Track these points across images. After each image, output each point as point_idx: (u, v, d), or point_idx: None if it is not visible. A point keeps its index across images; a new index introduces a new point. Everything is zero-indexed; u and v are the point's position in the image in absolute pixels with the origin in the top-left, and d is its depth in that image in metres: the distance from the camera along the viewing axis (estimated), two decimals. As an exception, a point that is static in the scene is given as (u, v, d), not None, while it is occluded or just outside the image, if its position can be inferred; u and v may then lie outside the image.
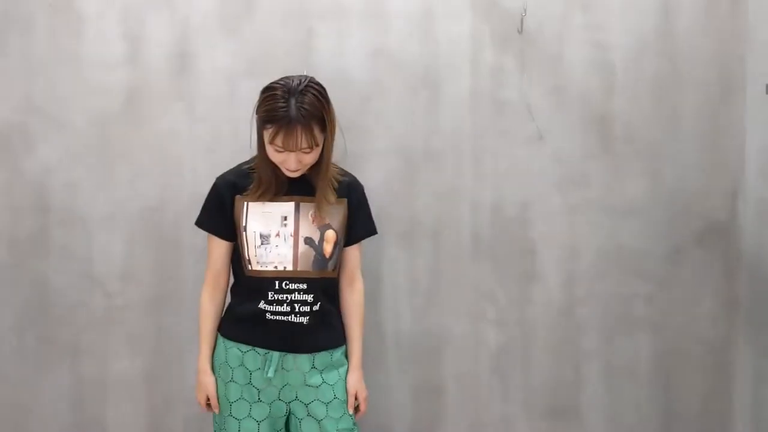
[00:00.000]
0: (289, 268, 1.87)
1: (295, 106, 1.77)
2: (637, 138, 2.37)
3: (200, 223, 1.98)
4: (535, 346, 2.38)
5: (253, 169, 1.92)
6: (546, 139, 2.34)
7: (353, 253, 2.00)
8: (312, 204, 1.89)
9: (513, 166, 2.34)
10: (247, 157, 2.26)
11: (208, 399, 1.96)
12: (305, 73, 2.21)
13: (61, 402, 2.27)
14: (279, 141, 1.79)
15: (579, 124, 2.35)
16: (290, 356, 1.90)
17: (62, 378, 2.27)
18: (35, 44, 2.22)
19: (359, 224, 1.97)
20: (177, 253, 2.27)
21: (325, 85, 1.91)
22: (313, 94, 1.81)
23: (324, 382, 1.92)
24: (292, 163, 1.82)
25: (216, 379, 1.95)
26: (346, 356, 2.00)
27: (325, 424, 1.91)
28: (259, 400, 1.91)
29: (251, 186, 1.90)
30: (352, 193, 1.95)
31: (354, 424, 1.96)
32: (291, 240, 1.87)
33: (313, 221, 1.89)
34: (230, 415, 1.91)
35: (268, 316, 1.89)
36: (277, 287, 1.87)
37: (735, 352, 2.43)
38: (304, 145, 1.79)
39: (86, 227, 2.25)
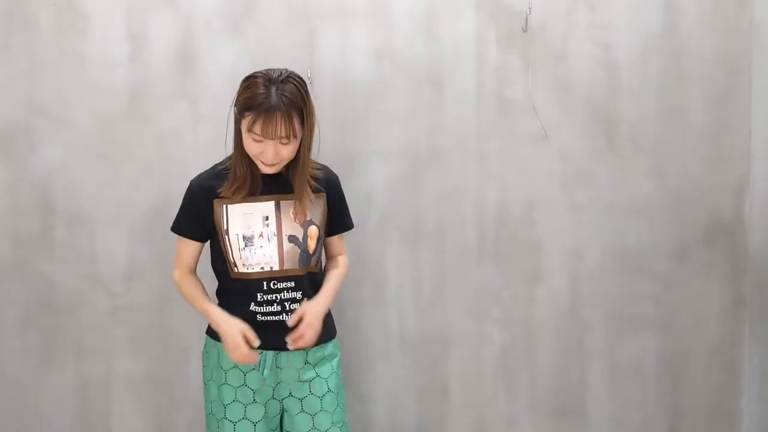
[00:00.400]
0: (276, 267, 1.85)
1: (276, 94, 1.74)
2: (642, 136, 2.36)
3: (178, 229, 1.94)
4: (541, 346, 2.37)
5: (227, 169, 1.87)
6: (551, 137, 2.33)
7: (335, 242, 1.99)
8: (292, 201, 1.86)
9: (518, 165, 2.33)
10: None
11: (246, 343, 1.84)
12: (308, 74, 2.22)
13: (66, 402, 2.27)
14: (258, 128, 1.74)
15: (584, 122, 2.34)
16: (283, 354, 1.88)
17: (66, 378, 2.27)
18: (39, 44, 2.22)
19: (338, 218, 1.97)
20: (181, 253, 2.26)
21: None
22: (294, 85, 1.77)
23: (317, 375, 1.90)
24: (269, 154, 1.77)
25: (208, 383, 1.94)
26: (337, 348, 1.98)
27: (320, 418, 1.89)
28: (255, 401, 1.89)
29: (225, 183, 1.85)
30: (330, 188, 1.93)
31: (345, 414, 1.95)
32: (275, 239, 1.85)
33: (295, 219, 1.87)
34: (225, 418, 1.89)
35: (259, 317, 1.87)
36: (265, 288, 1.86)
37: (742, 351, 2.42)
38: (282, 133, 1.74)
39: (90, 227, 2.25)
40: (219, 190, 1.86)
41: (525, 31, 2.31)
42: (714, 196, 2.39)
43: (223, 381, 1.90)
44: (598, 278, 2.37)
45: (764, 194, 2.37)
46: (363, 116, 2.27)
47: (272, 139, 1.76)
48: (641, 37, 2.34)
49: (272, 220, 1.86)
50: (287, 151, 1.80)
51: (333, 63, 2.24)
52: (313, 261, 1.90)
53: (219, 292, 1.97)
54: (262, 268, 1.85)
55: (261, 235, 1.85)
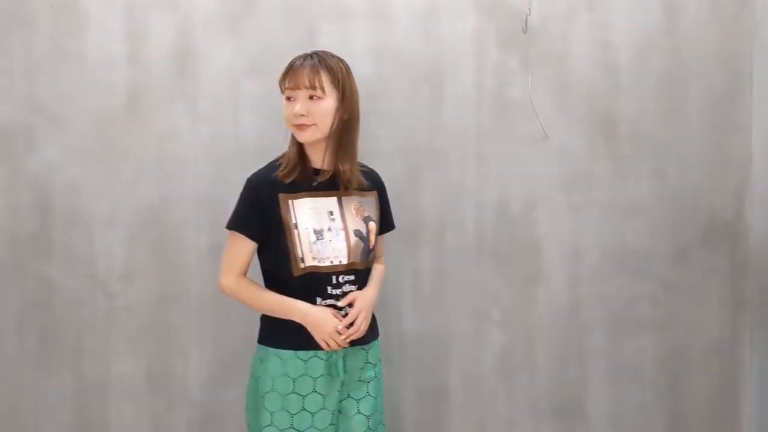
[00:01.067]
0: (344, 261, 1.85)
1: (310, 55, 1.86)
2: (642, 137, 2.36)
3: (239, 226, 1.86)
4: (540, 347, 2.36)
5: (286, 160, 1.90)
6: (551, 137, 2.32)
7: (379, 242, 2.02)
8: (352, 198, 1.89)
9: (517, 165, 2.32)
10: (251, 156, 2.25)
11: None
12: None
13: (64, 403, 2.26)
14: (287, 81, 1.83)
15: (584, 122, 2.34)
16: (349, 354, 1.87)
17: (64, 379, 2.26)
18: (38, 43, 2.21)
19: (385, 218, 2.02)
20: (179, 253, 2.26)
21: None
22: (334, 57, 1.88)
23: (375, 376, 1.91)
24: (298, 105, 1.81)
25: (269, 394, 1.84)
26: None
27: (374, 419, 1.89)
28: (323, 407, 1.84)
29: (281, 176, 1.86)
30: (380, 187, 2.00)
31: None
32: (342, 234, 1.86)
33: (357, 214, 1.90)
34: (291, 427, 1.81)
35: None
36: (334, 282, 1.85)
37: (742, 353, 2.42)
38: (307, 82, 1.80)
39: (88, 227, 2.24)
40: (279, 179, 1.86)
41: (525, 31, 2.30)
42: (714, 197, 2.39)
43: (291, 390, 1.82)
44: (597, 279, 2.36)
45: (765, 194, 2.36)
46: (362, 116, 2.26)
47: (299, 88, 1.81)
48: (641, 36, 2.34)
49: (337, 215, 1.87)
50: (318, 108, 1.82)
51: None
52: (371, 256, 1.93)
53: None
54: (332, 262, 1.84)
55: (329, 230, 1.85)
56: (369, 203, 1.93)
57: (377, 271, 1.99)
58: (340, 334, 1.80)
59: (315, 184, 1.87)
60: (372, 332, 1.92)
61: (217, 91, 2.25)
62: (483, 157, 2.32)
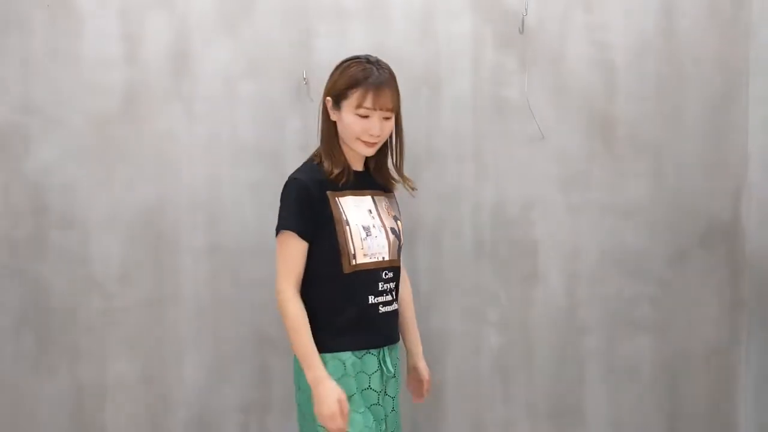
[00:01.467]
0: (387, 258, 1.86)
1: (379, 71, 1.83)
2: (639, 138, 2.36)
3: (292, 225, 1.80)
4: (537, 348, 2.36)
5: (321, 163, 1.87)
6: (548, 139, 2.32)
7: None
8: (382, 198, 1.92)
9: (514, 166, 2.32)
10: (248, 157, 2.25)
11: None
12: (304, 74, 2.21)
13: (60, 405, 2.26)
14: (369, 101, 1.79)
15: (581, 124, 2.34)
16: (389, 349, 1.88)
17: (61, 380, 2.25)
18: (33, 44, 2.20)
19: None
20: (175, 255, 2.26)
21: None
22: (389, 70, 1.87)
23: (395, 375, 1.91)
24: (375, 127, 1.80)
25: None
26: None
27: (395, 417, 1.90)
28: (377, 403, 1.83)
29: (331, 176, 1.83)
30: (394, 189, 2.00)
31: None
32: (383, 230, 1.87)
33: (388, 212, 1.92)
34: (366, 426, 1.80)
35: (380, 309, 1.84)
36: (383, 277, 1.85)
37: (739, 354, 2.42)
38: (390, 104, 1.82)
39: (84, 228, 2.23)
40: (330, 179, 1.84)
41: (521, 32, 2.30)
42: (711, 198, 2.39)
43: (354, 391, 1.79)
44: (595, 280, 2.36)
45: (762, 196, 2.36)
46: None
47: (381, 110, 1.81)
48: (638, 38, 2.34)
49: (375, 213, 1.88)
50: (388, 127, 1.85)
51: (329, 63, 2.22)
52: (401, 255, 1.94)
53: (322, 295, 1.83)
54: (379, 258, 1.84)
55: (374, 226, 1.86)
56: (393, 203, 1.97)
57: (413, 314, 2.05)
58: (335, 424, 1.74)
59: (350, 183, 1.87)
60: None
61: (213, 92, 2.24)
62: (480, 158, 2.32)
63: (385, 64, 1.87)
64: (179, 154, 2.25)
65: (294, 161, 2.25)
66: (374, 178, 1.94)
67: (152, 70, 2.23)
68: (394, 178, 1.96)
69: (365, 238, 1.82)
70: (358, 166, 1.91)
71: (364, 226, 1.83)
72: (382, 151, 1.92)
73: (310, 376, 1.75)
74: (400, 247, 1.92)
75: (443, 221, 2.32)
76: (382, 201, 1.92)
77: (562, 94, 2.33)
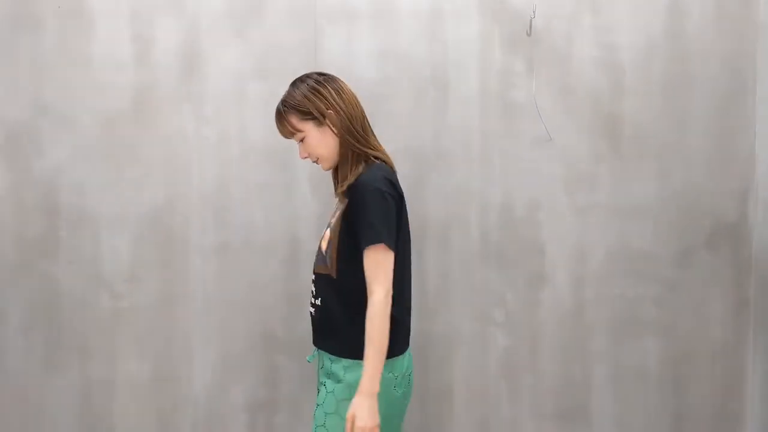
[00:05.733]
0: (316, 262, 1.87)
1: (279, 103, 1.87)
2: (646, 139, 2.36)
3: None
4: (544, 349, 2.37)
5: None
6: (555, 140, 2.33)
7: (364, 262, 1.75)
8: (338, 202, 1.89)
9: (522, 167, 2.33)
10: (257, 158, 2.26)
11: None
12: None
13: (69, 403, 2.27)
14: None
15: (588, 125, 2.34)
16: (318, 352, 1.90)
17: (70, 379, 2.27)
18: (44, 45, 2.22)
19: (358, 230, 1.75)
20: (185, 254, 2.27)
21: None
22: (298, 85, 1.85)
23: (324, 385, 1.82)
24: (300, 152, 1.88)
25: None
26: (344, 372, 1.79)
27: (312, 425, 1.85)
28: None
29: None
30: (354, 194, 1.77)
31: None
32: (323, 235, 1.89)
33: (331, 219, 1.89)
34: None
35: (310, 308, 1.91)
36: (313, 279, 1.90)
37: (745, 355, 2.42)
38: (283, 134, 1.87)
39: (94, 228, 2.25)
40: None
41: (529, 33, 2.31)
42: (718, 199, 2.39)
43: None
44: (601, 281, 2.37)
45: (768, 197, 2.36)
46: (367, 117, 2.27)
47: (287, 138, 1.88)
48: (645, 39, 2.34)
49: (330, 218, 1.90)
50: (308, 147, 1.85)
51: (337, 64, 2.24)
52: (327, 263, 1.82)
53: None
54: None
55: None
56: (337, 211, 1.85)
57: (366, 340, 1.71)
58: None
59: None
60: (321, 342, 1.85)
61: (223, 93, 2.26)
62: (487, 159, 2.32)
63: (292, 89, 1.84)
64: (189, 154, 2.26)
65: (302, 162, 2.27)
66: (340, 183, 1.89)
67: (162, 71, 2.24)
68: (345, 182, 1.83)
69: None
70: None
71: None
72: (340, 159, 1.84)
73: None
74: (322, 256, 1.83)
75: (450, 222, 2.32)
76: (336, 207, 1.89)
77: (569, 96, 2.33)
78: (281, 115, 1.86)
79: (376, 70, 2.27)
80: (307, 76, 1.86)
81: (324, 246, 1.84)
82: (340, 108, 1.82)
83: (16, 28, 2.22)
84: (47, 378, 2.27)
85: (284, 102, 1.85)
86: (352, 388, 1.73)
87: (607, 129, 2.35)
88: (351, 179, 1.79)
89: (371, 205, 1.74)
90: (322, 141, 1.84)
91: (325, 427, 1.76)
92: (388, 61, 2.29)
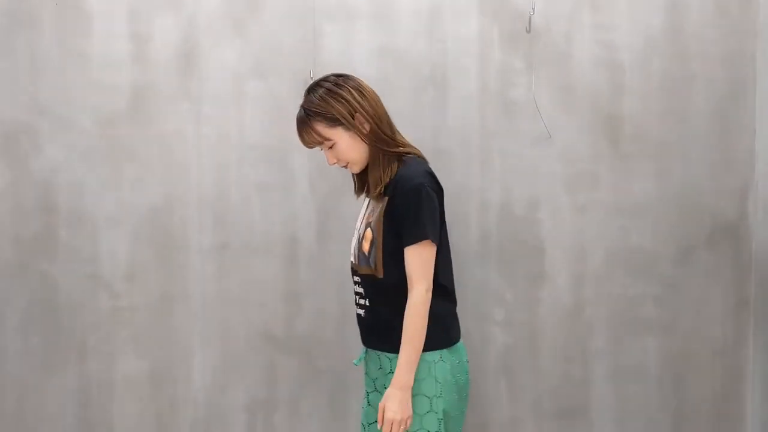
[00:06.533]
0: (354, 261, 1.88)
1: (300, 108, 1.82)
2: (646, 137, 2.36)
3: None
4: (543, 347, 2.36)
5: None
6: (554, 138, 2.32)
7: (406, 258, 1.76)
8: (373, 202, 1.85)
9: (521, 165, 2.32)
10: (255, 157, 2.25)
11: None
12: (311, 73, 2.21)
13: (67, 402, 2.27)
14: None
15: (588, 123, 2.34)
16: (367, 351, 1.90)
17: (68, 378, 2.26)
18: (42, 44, 2.21)
19: (402, 227, 1.76)
20: (183, 254, 2.26)
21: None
22: (318, 90, 1.80)
23: (384, 386, 1.80)
24: (329, 159, 1.85)
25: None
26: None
27: (374, 429, 1.84)
28: (365, 397, 1.91)
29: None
30: (395, 192, 1.77)
31: None
32: (355, 234, 1.89)
33: (364, 218, 1.88)
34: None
35: (356, 308, 1.90)
36: (353, 279, 1.89)
37: (745, 354, 2.42)
38: (311, 144, 1.83)
39: (92, 227, 2.24)
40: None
41: (528, 31, 2.30)
42: (718, 198, 2.39)
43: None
44: (601, 279, 2.36)
45: (768, 195, 2.36)
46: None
47: (313, 146, 1.85)
48: (645, 37, 2.34)
49: (361, 217, 1.89)
50: (335, 153, 1.82)
51: (336, 63, 2.23)
52: (371, 263, 1.80)
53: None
54: (352, 260, 1.89)
55: (356, 229, 1.89)
56: (376, 210, 1.83)
57: (404, 324, 1.74)
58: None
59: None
60: (378, 343, 1.83)
61: (221, 92, 2.25)
62: (487, 158, 2.32)
63: (318, 88, 1.79)
64: (187, 153, 2.25)
65: (301, 161, 2.26)
66: (371, 182, 1.87)
67: (160, 69, 2.24)
68: (380, 184, 1.82)
69: (352, 239, 1.89)
70: None
71: (355, 227, 1.90)
72: (370, 159, 1.83)
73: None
74: (364, 256, 1.81)
75: (450, 221, 2.30)
76: (371, 206, 1.87)
77: (568, 94, 2.33)
78: (306, 125, 1.79)
79: (376, 69, 2.27)
80: (324, 79, 1.82)
81: (366, 246, 1.81)
82: (365, 110, 1.80)
83: (13, 26, 2.21)
84: (45, 378, 2.26)
85: (307, 111, 1.79)
86: (417, 381, 1.75)
87: (606, 127, 2.34)
88: (386, 179, 1.79)
89: (415, 201, 1.75)
90: (353, 146, 1.81)
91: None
92: (387, 60, 2.28)
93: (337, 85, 1.80)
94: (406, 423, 1.72)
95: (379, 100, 1.83)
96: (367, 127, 1.79)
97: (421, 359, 1.76)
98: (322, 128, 1.79)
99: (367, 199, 1.89)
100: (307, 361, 2.30)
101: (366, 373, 1.90)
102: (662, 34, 2.34)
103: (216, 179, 2.26)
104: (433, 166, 2.29)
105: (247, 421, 2.30)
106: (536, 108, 2.31)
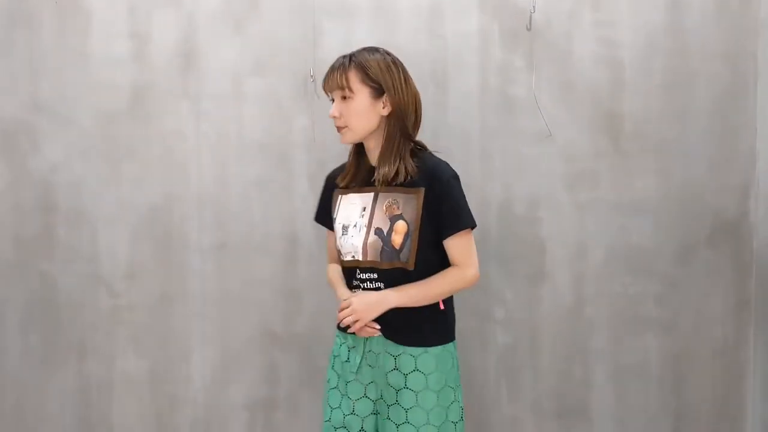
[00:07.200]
0: (360, 258, 1.84)
1: (348, 55, 1.84)
2: (646, 135, 2.35)
3: (316, 217, 2.02)
4: (544, 346, 2.36)
5: None
6: (555, 136, 2.32)
7: (451, 246, 1.82)
8: (388, 195, 1.82)
9: (522, 163, 2.32)
10: (255, 154, 2.25)
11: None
12: (311, 71, 2.21)
13: (67, 401, 2.27)
14: (324, 83, 1.85)
15: (588, 121, 2.33)
16: (372, 354, 1.83)
17: (68, 377, 2.26)
18: (41, 42, 2.21)
19: (445, 217, 1.80)
20: (182, 252, 2.26)
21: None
22: (375, 52, 1.84)
23: (406, 386, 1.79)
24: (333, 107, 1.83)
25: (329, 367, 1.93)
26: (436, 361, 1.83)
27: (404, 430, 1.77)
28: (347, 394, 1.86)
29: (343, 174, 1.92)
30: (434, 181, 1.80)
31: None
32: (364, 231, 1.83)
33: (386, 212, 1.84)
34: (327, 402, 1.90)
35: None
36: (357, 276, 1.85)
37: (746, 353, 2.41)
38: (334, 84, 1.81)
39: (92, 226, 2.24)
40: (337, 180, 1.93)
41: (529, 29, 2.30)
42: (719, 196, 2.38)
43: (332, 366, 1.91)
44: (601, 278, 2.36)
45: (770, 194, 2.35)
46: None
47: (332, 90, 1.83)
48: (646, 35, 2.33)
49: (367, 212, 1.85)
50: (350, 108, 1.81)
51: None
52: (402, 257, 1.79)
53: None
54: (353, 257, 1.85)
55: (355, 225, 1.85)
56: (408, 202, 1.81)
57: (437, 277, 1.81)
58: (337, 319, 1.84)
59: (364, 179, 1.88)
60: (401, 337, 1.81)
61: (220, 90, 2.25)
62: (487, 156, 2.31)
63: (368, 52, 1.84)
64: (186, 151, 2.25)
65: (301, 158, 2.26)
66: (381, 174, 1.84)
67: (160, 68, 2.23)
68: (406, 173, 1.82)
69: (341, 237, 1.87)
70: (375, 161, 1.88)
71: (344, 225, 1.87)
72: (383, 144, 1.84)
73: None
74: (393, 250, 1.80)
75: (450, 219, 2.31)
76: (386, 199, 1.83)
77: (569, 92, 2.32)
78: (344, 69, 1.81)
79: (375, 67, 2.26)
80: (383, 50, 1.86)
81: (399, 240, 1.80)
82: (402, 95, 1.84)
83: (13, 25, 2.21)
84: (45, 377, 2.26)
85: (353, 58, 1.82)
86: (443, 373, 1.81)
87: (607, 125, 2.34)
88: (403, 168, 1.81)
89: (458, 190, 1.83)
90: (364, 113, 1.82)
91: (434, 425, 1.78)
92: (386, 58, 2.27)
93: (394, 62, 1.85)
94: (356, 325, 1.80)
95: (419, 101, 1.89)
96: (387, 110, 1.83)
97: (445, 350, 1.83)
98: (354, 78, 1.81)
99: (356, 194, 1.87)
100: (307, 360, 2.30)
101: (356, 379, 1.84)
102: (663, 31, 2.34)
103: (215, 178, 2.26)
104: (433, 165, 2.31)
105: (247, 419, 2.30)
106: (537, 106, 2.30)
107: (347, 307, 1.81)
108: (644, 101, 2.34)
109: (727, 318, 2.40)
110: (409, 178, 1.81)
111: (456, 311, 2.31)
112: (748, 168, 2.39)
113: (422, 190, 1.80)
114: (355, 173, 1.90)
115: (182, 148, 2.25)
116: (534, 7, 2.28)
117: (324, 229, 2.04)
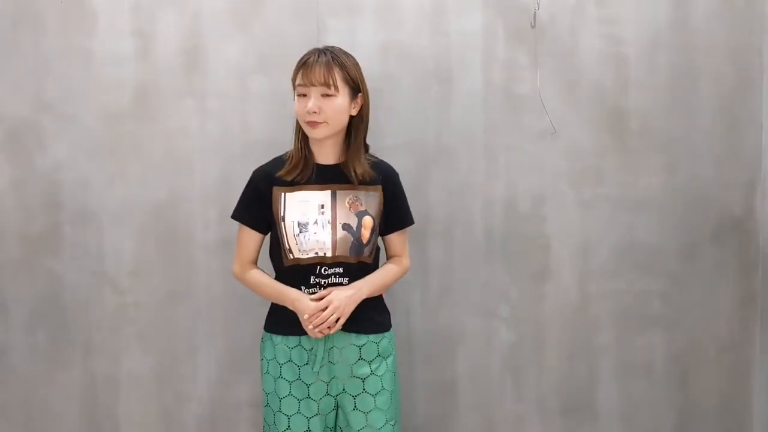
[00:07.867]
0: (329, 254, 1.88)
1: (320, 53, 1.87)
2: (651, 132, 2.34)
3: (237, 216, 1.96)
4: (549, 344, 2.36)
5: (288, 157, 1.96)
6: (559, 133, 2.31)
7: (393, 241, 2.02)
8: (348, 192, 1.91)
9: (526, 161, 2.31)
10: (260, 152, 2.25)
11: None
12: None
13: (73, 399, 2.28)
14: (300, 77, 1.86)
15: (593, 118, 2.32)
16: (336, 349, 1.88)
17: (74, 375, 2.27)
18: (46, 41, 2.22)
19: (395, 214, 1.99)
20: (188, 250, 2.27)
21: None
22: (347, 55, 1.91)
23: (372, 373, 1.90)
24: (311, 101, 1.84)
25: (265, 376, 1.94)
26: (391, 344, 1.97)
27: (374, 416, 1.89)
28: (309, 396, 1.88)
29: (283, 168, 1.92)
30: (387, 181, 1.96)
31: (398, 412, 1.97)
32: (329, 227, 1.88)
33: (350, 208, 1.91)
34: (280, 411, 1.89)
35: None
36: (317, 272, 1.88)
37: (751, 349, 2.40)
38: (321, 79, 1.83)
39: (98, 224, 2.25)
40: (278, 175, 1.92)
41: (533, 26, 2.29)
42: (724, 192, 2.37)
43: (279, 374, 1.90)
44: (606, 275, 2.36)
45: (775, 190, 2.34)
46: (370, 112, 2.26)
47: (313, 85, 1.84)
48: (650, 31, 2.32)
49: (327, 209, 1.89)
50: (330, 106, 1.85)
51: (340, 59, 2.23)
52: (365, 251, 1.91)
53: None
54: (316, 253, 1.88)
55: (315, 222, 1.88)
56: (370, 198, 1.93)
57: (384, 269, 1.98)
58: (310, 323, 1.84)
59: (313, 177, 1.91)
60: (365, 327, 1.91)
61: (225, 88, 2.25)
62: (491, 153, 2.31)
63: (338, 50, 1.90)
64: (191, 149, 2.26)
65: (305, 157, 2.25)
66: (344, 172, 1.92)
67: (164, 66, 2.24)
68: (372, 171, 1.94)
69: (298, 234, 1.87)
70: (328, 159, 1.93)
71: (301, 222, 1.88)
72: (351, 143, 1.93)
73: (288, 302, 1.87)
74: (360, 244, 1.89)
75: (454, 217, 2.31)
76: (347, 195, 1.91)
77: (573, 89, 2.32)
78: (331, 66, 1.85)
79: (379, 64, 2.26)
80: (347, 53, 1.92)
81: (367, 235, 1.91)
82: (367, 97, 1.94)
83: (18, 24, 2.21)
84: (51, 374, 2.27)
85: (336, 57, 1.86)
86: (391, 357, 1.95)
87: (612, 122, 2.33)
88: (366, 166, 1.92)
89: (402, 191, 2.02)
90: (342, 112, 1.89)
91: (395, 406, 1.94)
92: (390, 55, 2.27)
93: (358, 64, 1.94)
94: (338, 322, 1.84)
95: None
96: (356, 111, 1.92)
97: (389, 337, 1.96)
98: (338, 77, 1.86)
99: (307, 192, 1.89)
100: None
101: (318, 379, 1.89)
102: (668, 27, 2.33)
103: (220, 175, 2.26)
104: (437, 162, 2.31)
105: (253, 417, 2.30)
106: (541, 103, 2.30)
107: (326, 307, 1.83)
108: (649, 98, 2.33)
109: (732, 315, 2.39)
110: (367, 176, 1.92)
111: (460, 309, 2.33)
112: (753, 164, 2.38)
113: (380, 187, 1.95)
114: (303, 169, 1.91)
115: (187, 145, 2.25)
116: (538, 4, 2.28)
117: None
